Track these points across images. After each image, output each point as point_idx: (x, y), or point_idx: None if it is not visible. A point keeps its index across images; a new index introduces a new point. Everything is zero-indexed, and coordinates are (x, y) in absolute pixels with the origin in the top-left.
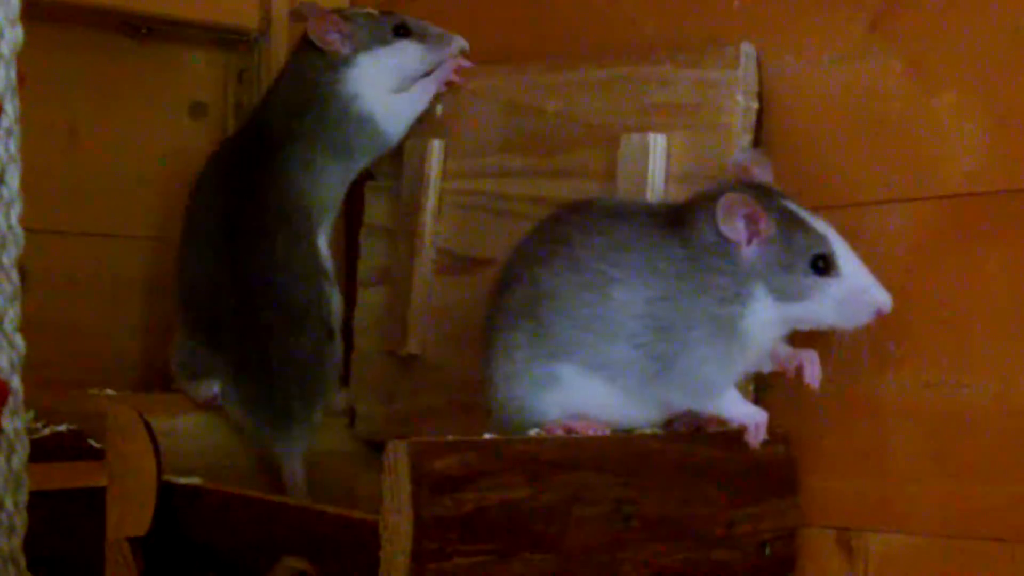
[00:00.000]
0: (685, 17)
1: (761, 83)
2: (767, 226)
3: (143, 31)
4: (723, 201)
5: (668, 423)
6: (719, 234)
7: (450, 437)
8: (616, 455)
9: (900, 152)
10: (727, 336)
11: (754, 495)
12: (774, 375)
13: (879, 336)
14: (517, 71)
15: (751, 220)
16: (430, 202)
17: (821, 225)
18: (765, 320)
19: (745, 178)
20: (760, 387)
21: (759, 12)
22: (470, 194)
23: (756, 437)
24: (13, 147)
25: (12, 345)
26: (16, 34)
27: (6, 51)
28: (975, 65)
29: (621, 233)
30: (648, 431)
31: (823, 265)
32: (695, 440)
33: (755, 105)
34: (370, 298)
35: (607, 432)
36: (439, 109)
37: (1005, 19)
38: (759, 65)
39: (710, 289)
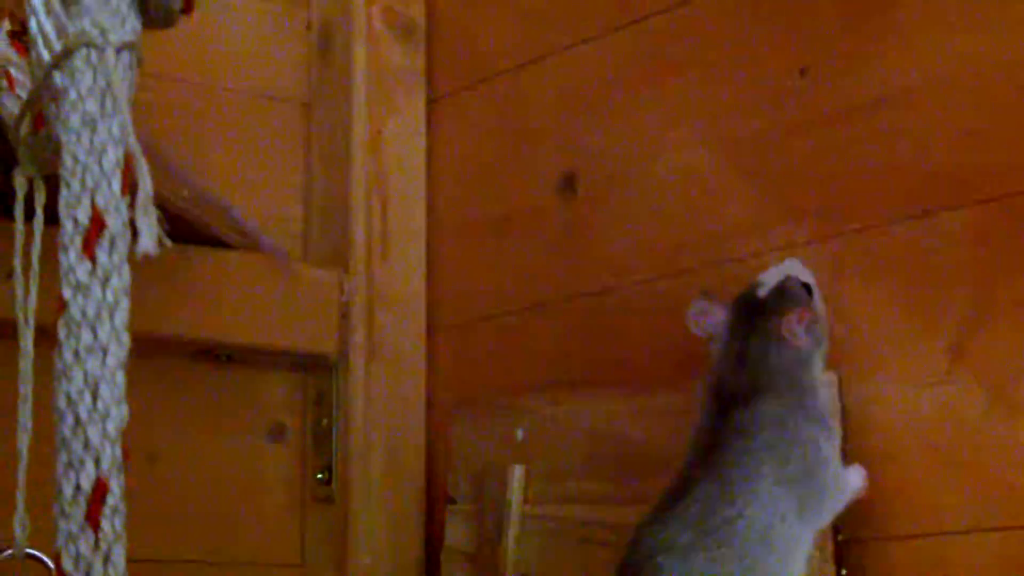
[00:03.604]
0: None
1: (844, 408)
2: (812, 316)
3: (223, 358)
4: (789, 325)
5: None
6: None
7: None
8: None
9: (983, 481)
10: (830, 429)
11: None
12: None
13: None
14: (598, 397)
15: (811, 322)
16: (512, 528)
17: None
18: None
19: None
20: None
21: (839, 337)
22: (552, 519)
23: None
24: (119, 526)
25: None
26: (121, 412)
27: (111, 431)
28: None
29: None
30: None
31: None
32: None
33: (838, 430)
34: None
35: None
36: (520, 433)
37: None
38: (841, 390)
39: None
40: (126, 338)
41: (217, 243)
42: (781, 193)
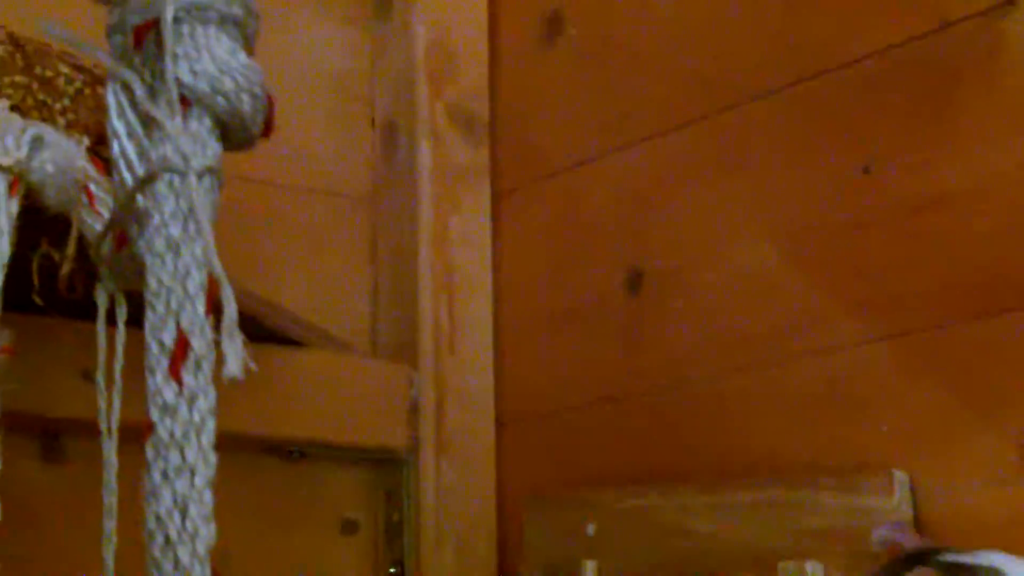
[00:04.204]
0: (834, 440)
1: (915, 507)
2: None
3: (295, 454)
4: None
5: None
6: None
7: None
8: None
9: None
10: None
11: None
12: None
13: None
14: (667, 491)
15: None
16: None
17: (987, 557)
18: None
19: (897, 551)
20: None
21: (908, 436)
22: None
23: None
24: None
25: None
26: (211, 532)
27: (200, 550)
28: None
29: None
30: None
31: None
32: None
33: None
34: None
35: None
36: (591, 528)
37: None
38: (912, 488)
39: None
40: (213, 458)
41: (283, 340)
42: (846, 288)
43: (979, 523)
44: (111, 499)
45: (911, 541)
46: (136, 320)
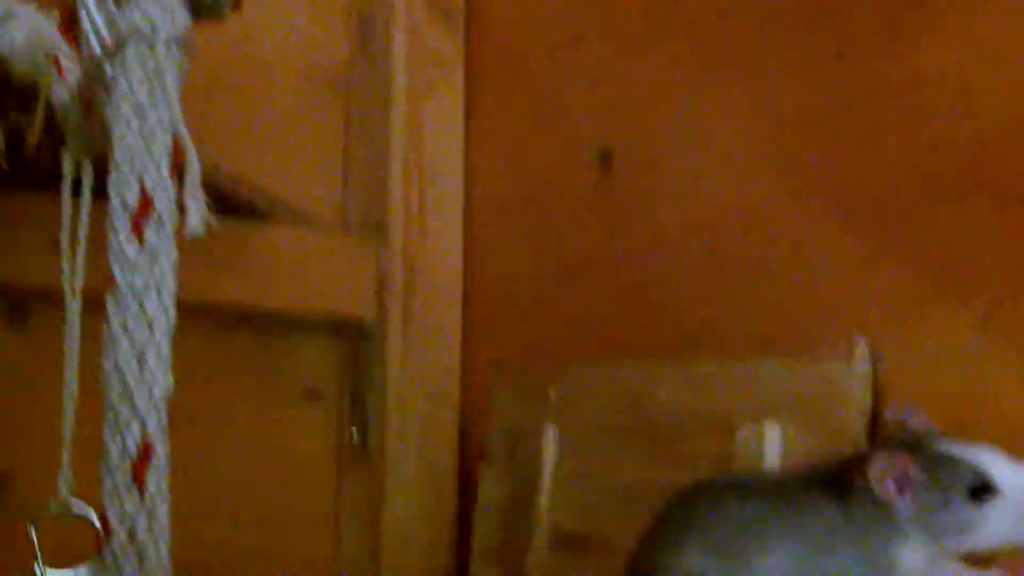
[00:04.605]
0: (798, 314)
1: (875, 377)
2: (916, 475)
3: (261, 323)
4: (872, 468)
5: None
6: (873, 494)
7: None
8: None
9: (1014, 449)
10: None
11: None
12: None
13: None
14: (631, 361)
15: (902, 476)
16: (545, 484)
17: (975, 452)
18: (924, 557)
19: (900, 431)
20: None
21: (872, 309)
22: (585, 477)
23: None
24: (164, 486)
25: None
26: (168, 381)
27: (158, 397)
28: None
29: (753, 508)
30: None
31: (982, 493)
32: None
33: (869, 399)
34: (483, 574)
35: None
36: (553, 395)
37: None
38: (873, 359)
39: (865, 540)
40: (173, 313)
41: (255, 215)
42: (817, 169)
43: (939, 393)
44: (72, 355)
45: (919, 423)
46: (102, 192)
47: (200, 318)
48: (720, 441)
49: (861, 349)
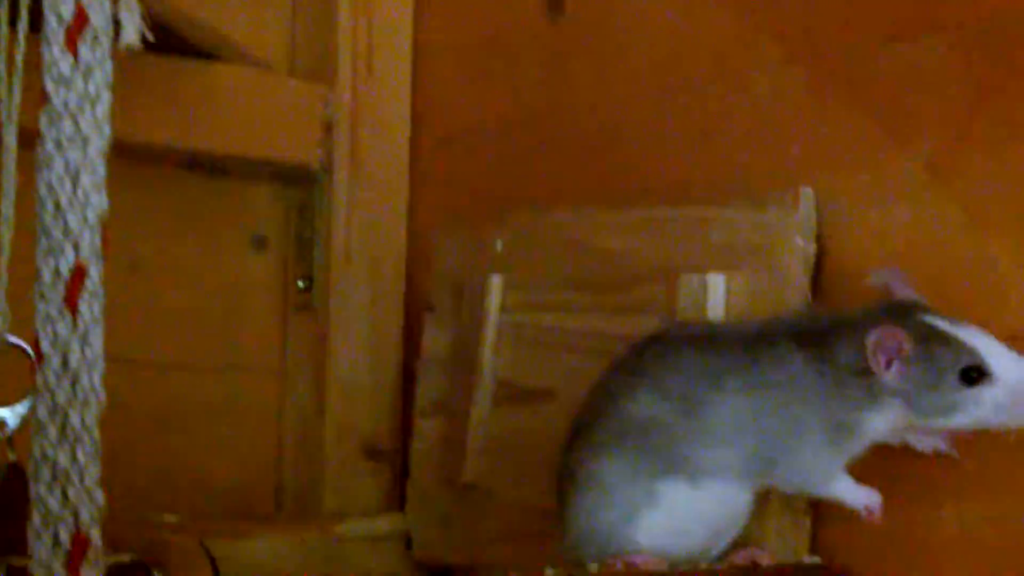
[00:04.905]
0: (746, 163)
1: (820, 225)
2: (911, 350)
3: (206, 167)
4: (872, 338)
5: (725, 556)
6: (856, 360)
7: (513, 573)
8: None
9: (958, 295)
10: (844, 438)
11: None
12: (830, 506)
13: (943, 464)
14: (576, 209)
15: (895, 350)
16: (489, 335)
17: (967, 332)
18: (894, 426)
19: (886, 297)
20: (817, 518)
21: (819, 156)
22: (529, 327)
23: (872, 519)
24: (98, 310)
25: (92, 500)
26: (102, 201)
27: (92, 218)
28: None
29: (712, 359)
30: (705, 567)
31: (975, 375)
32: (752, 574)
33: (813, 247)
34: (427, 426)
35: (664, 566)
36: (499, 244)
37: None
38: (818, 207)
39: (835, 400)
40: (108, 130)
41: (200, 54)
42: (764, 17)
43: (884, 240)
44: (8, 182)
45: (904, 289)
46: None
47: (145, 164)
48: (665, 289)
49: (806, 197)
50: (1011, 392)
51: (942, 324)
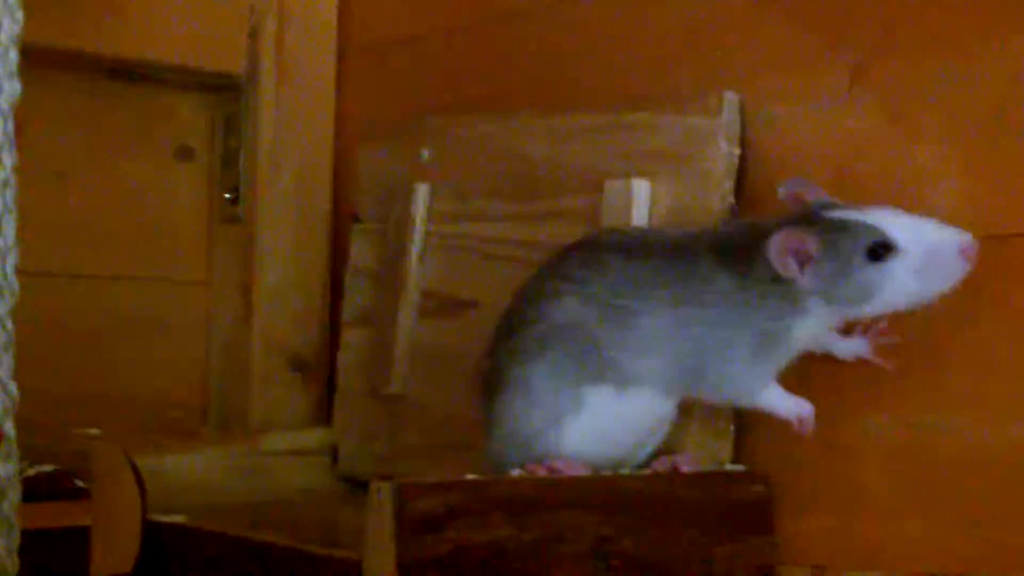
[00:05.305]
0: (671, 66)
1: (744, 130)
2: (815, 247)
3: (130, 76)
4: (772, 246)
5: (647, 463)
6: (772, 269)
7: (432, 478)
8: (596, 495)
9: (882, 200)
10: (772, 346)
11: (731, 534)
12: (751, 415)
13: (861, 374)
14: (503, 117)
15: (801, 251)
16: (415, 245)
17: (872, 215)
18: (820, 327)
19: (796, 205)
20: (740, 427)
21: (743, 60)
22: (455, 237)
23: (803, 429)
24: (10, 198)
25: (6, 392)
26: (14, 87)
27: (4, 104)
28: (956, 114)
29: (639, 267)
30: (627, 472)
31: (881, 251)
32: (673, 481)
33: (738, 152)
34: (354, 338)
35: (587, 472)
36: (426, 154)
37: (985, 68)
38: (742, 112)
39: (760, 311)
40: (20, 16)
41: None
42: None
43: (805, 145)
44: None
45: (814, 194)
46: None
47: (68, 72)
48: (589, 196)
49: (730, 102)
50: (921, 257)
51: (844, 214)
